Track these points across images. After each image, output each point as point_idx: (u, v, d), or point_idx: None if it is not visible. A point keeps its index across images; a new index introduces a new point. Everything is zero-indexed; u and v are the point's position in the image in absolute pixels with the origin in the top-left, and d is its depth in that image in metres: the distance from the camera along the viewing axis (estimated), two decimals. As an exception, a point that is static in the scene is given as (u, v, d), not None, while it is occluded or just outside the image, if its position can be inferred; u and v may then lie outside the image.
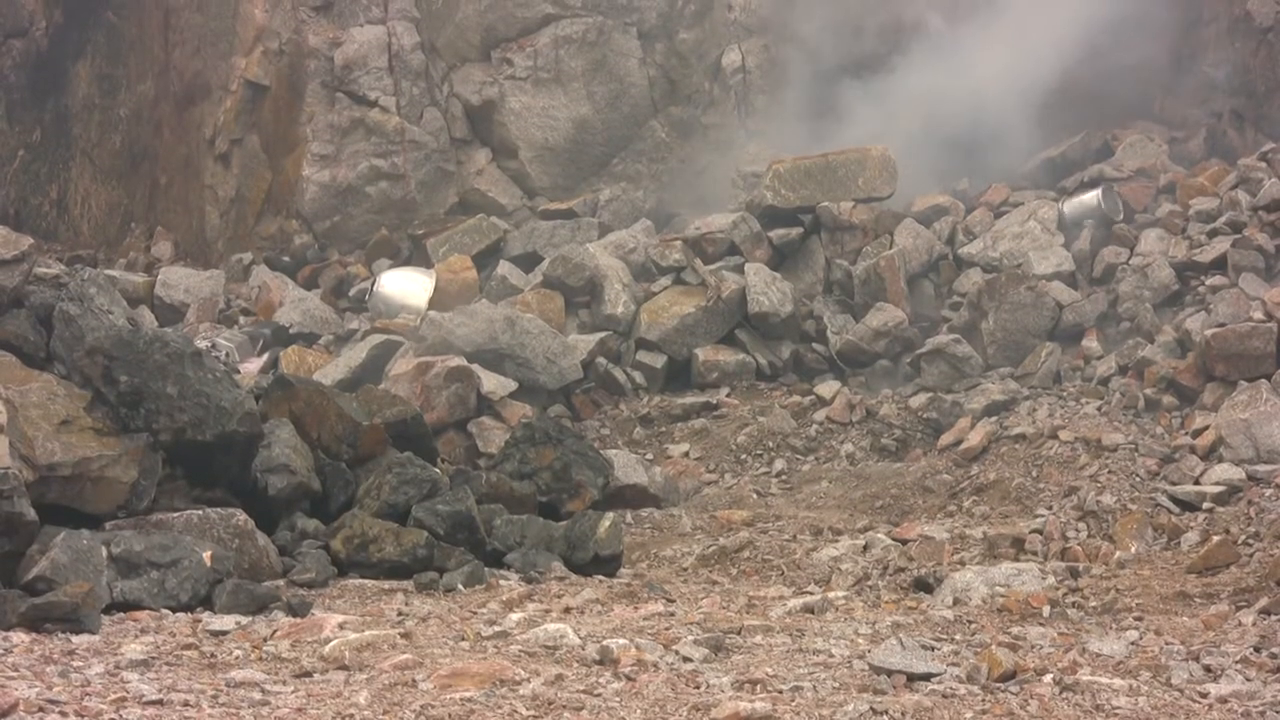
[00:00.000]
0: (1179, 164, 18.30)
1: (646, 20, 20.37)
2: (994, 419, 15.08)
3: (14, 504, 10.20)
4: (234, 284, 19.69)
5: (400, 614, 10.30)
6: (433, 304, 17.22)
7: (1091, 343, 15.88)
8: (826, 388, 16.34)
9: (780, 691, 8.18)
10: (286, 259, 19.79)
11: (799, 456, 15.57)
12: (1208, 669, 8.84)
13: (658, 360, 16.78)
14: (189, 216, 21.56)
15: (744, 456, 15.59)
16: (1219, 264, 15.61)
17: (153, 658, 8.71)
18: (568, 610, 10.49)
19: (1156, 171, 17.88)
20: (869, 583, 11.91)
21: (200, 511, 11.46)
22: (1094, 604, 10.81)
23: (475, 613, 10.40)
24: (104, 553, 10.43)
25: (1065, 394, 15.31)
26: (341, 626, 9.61)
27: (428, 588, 11.30)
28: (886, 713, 7.74)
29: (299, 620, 9.93)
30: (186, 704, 7.58)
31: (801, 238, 17.64)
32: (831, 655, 9.09)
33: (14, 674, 8.00)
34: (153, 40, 22.37)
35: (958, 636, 9.68)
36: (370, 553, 11.85)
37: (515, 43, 20.18)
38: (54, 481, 11.08)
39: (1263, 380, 13.98)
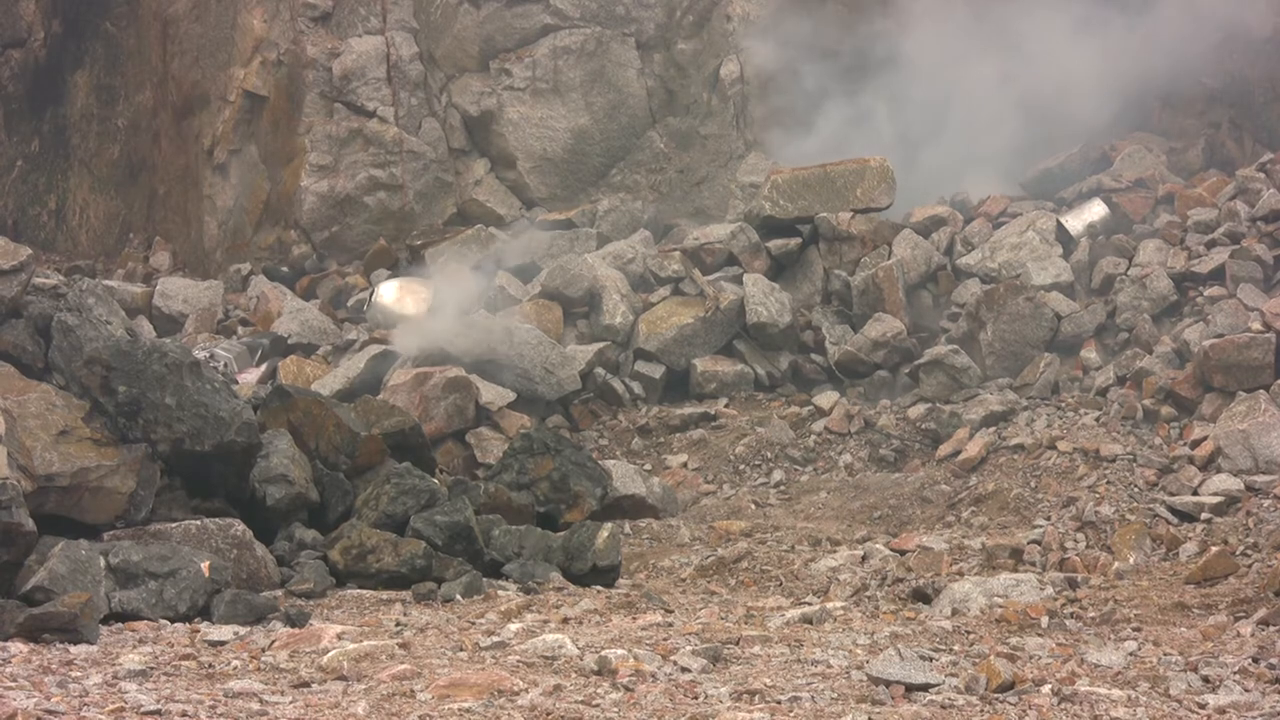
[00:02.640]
0: (1177, 175, 18.31)
1: (645, 31, 20.38)
2: (992, 430, 15.08)
3: (12, 514, 10.20)
4: (232, 294, 19.69)
5: (398, 624, 10.30)
6: (431, 314, 17.21)
7: (1090, 353, 15.88)
8: (825, 398, 16.34)
9: (778, 702, 8.17)
10: (285, 269, 19.79)
11: (797, 467, 15.57)
12: (1206, 680, 8.84)
13: (656, 371, 16.78)
14: (187, 227, 21.57)
15: (742, 467, 15.59)
16: (1217, 275, 15.62)
17: (151, 668, 8.71)
18: (566, 621, 10.50)
19: (1155, 182, 17.88)
20: (867, 593, 11.91)
21: (198, 522, 11.47)
22: (1092, 615, 10.80)
23: (473, 623, 10.40)
24: (102, 563, 10.43)
25: (1063, 405, 15.31)
26: (340, 637, 9.61)
27: (426, 598, 11.30)
28: (885, 723, 7.75)
29: (297, 630, 9.93)
30: (185, 714, 7.57)
31: (800, 248, 17.64)
32: (830, 666, 9.08)
33: (12, 684, 8.00)
34: (151, 51, 22.39)
35: (956, 647, 9.68)
36: (368, 563, 11.86)
37: (513, 53, 20.19)
38: (52, 492, 11.09)
39: (1261, 391, 13.98)
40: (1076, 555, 12.58)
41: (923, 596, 11.57)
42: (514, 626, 10.10)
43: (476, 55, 20.30)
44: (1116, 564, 12.31)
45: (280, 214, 20.28)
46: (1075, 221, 17.35)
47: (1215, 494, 13.13)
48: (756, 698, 8.25)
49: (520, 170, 20.12)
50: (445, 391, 15.41)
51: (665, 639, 9.73)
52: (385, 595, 11.45)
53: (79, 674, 8.46)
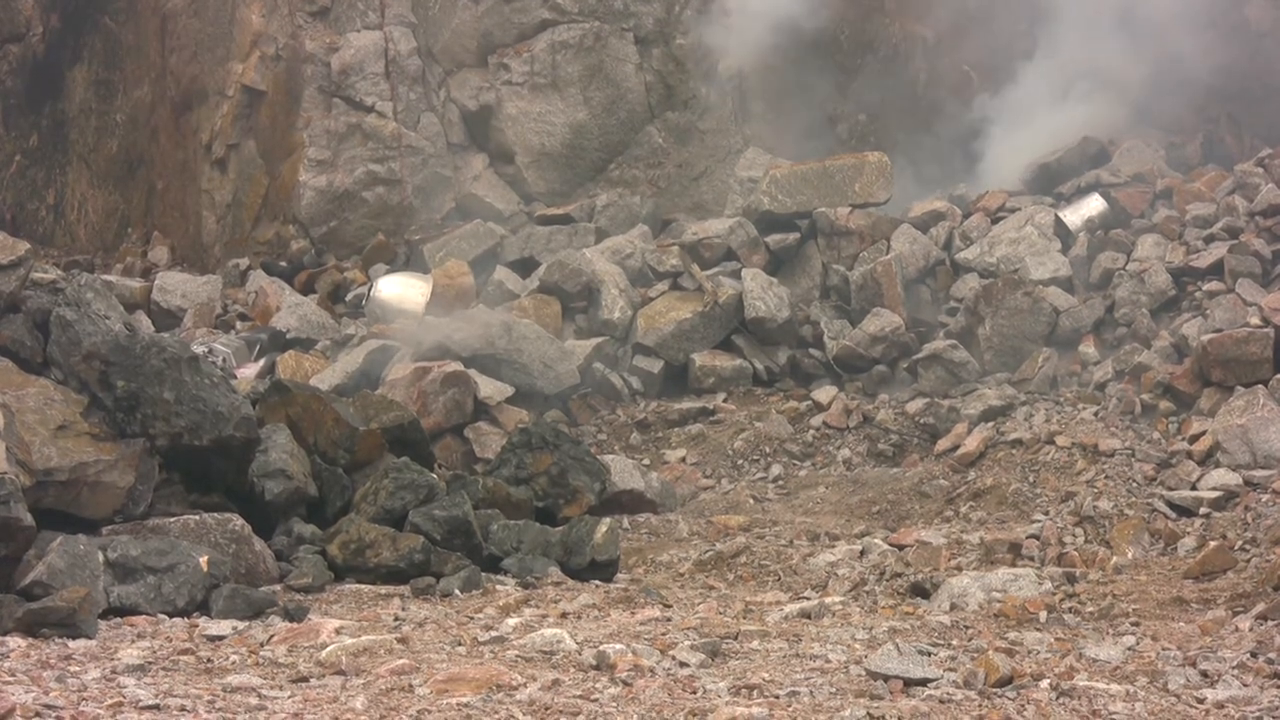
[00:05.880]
0: (1176, 169, 18.31)
1: (643, 25, 20.36)
2: (991, 424, 15.08)
3: (10, 509, 10.19)
4: (231, 289, 19.67)
5: (397, 619, 10.30)
6: (429, 309, 17.21)
7: (1088, 348, 15.89)
8: (823, 393, 16.34)
9: (777, 697, 8.17)
10: (283, 264, 19.78)
11: (796, 462, 15.57)
12: (1204, 674, 8.84)
13: (654, 365, 16.78)
14: (186, 222, 21.56)
15: (741, 462, 15.59)
16: (1216, 269, 15.63)
17: (149, 663, 8.71)
18: (564, 615, 10.49)
19: (1153, 177, 17.88)
20: (866, 588, 11.91)
21: (197, 516, 11.45)
22: (1091, 609, 10.81)
23: (472, 618, 10.39)
24: (100, 558, 10.42)
25: (1062, 399, 15.32)
26: (338, 631, 9.61)
27: (424, 593, 11.30)
28: (883, 718, 7.74)
29: (296, 625, 9.93)
30: (183, 709, 7.57)
31: (798, 243, 17.65)
32: (828, 660, 9.08)
33: (10, 679, 7.99)
34: (149, 45, 22.38)
35: (954, 642, 9.68)
36: (367, 558, 11.85)
37: (512, 48, 20.18)
38: (50, 486, 11.06)
39: (1259, 386, 13.98)
40: (1075, 550, 12.59)
41: (921, 591, 11.58)
42: (512, 621, 10.10)
43: (475, 50, 20.29)
44: (1115, 559, 12.31)
45: (279, 209, 20.26)
46: (1073, 216, 17.35)
47: (1214, 489, 13.14)
48: (755, 692, 8.25)
49: (519, 165, 20.11)
50: (444, 386, 15.40)
51: (664, 634, 9.74)
52: (384, 590, 11.45)
53: (77, 669, 8.46)
